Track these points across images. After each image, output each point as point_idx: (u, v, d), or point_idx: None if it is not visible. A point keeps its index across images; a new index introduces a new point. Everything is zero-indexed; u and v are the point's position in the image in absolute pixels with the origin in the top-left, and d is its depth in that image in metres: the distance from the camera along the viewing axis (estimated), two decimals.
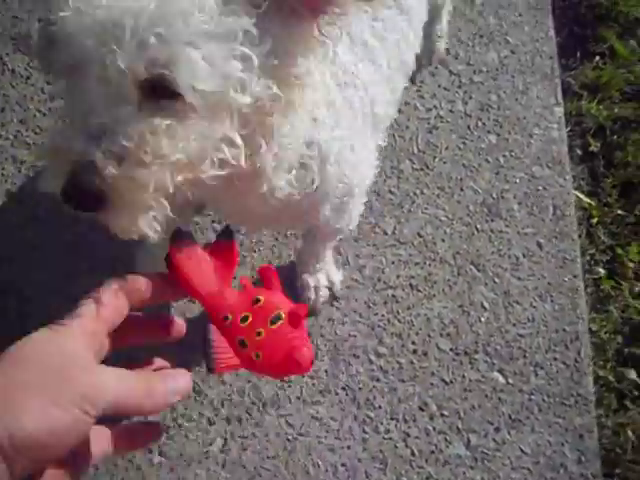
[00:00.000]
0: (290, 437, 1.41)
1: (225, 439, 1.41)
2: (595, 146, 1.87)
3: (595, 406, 1.61)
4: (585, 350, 1.50)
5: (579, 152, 1.87)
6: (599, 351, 1.68)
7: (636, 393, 1.64)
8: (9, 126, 1.62)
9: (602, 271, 1.75)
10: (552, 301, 1.53)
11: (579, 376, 1.48)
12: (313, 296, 1.48)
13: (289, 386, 1.45)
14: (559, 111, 1.71)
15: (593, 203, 1.81)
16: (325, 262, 1.47)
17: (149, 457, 1.39)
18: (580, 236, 1.77)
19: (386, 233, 1.57)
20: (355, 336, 1.49)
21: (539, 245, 1.58)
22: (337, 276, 1.50)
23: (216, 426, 1.42)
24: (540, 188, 1.63)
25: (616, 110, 1.90)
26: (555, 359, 1.49)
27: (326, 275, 1.49)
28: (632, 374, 1.67)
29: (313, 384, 1.45)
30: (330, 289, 1.50)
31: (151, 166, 0.67)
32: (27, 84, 1.67)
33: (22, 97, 1.65)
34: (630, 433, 1.61)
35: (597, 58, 1.98)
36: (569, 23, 2.03)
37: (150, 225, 0.70)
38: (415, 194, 1.61)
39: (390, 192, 1.61)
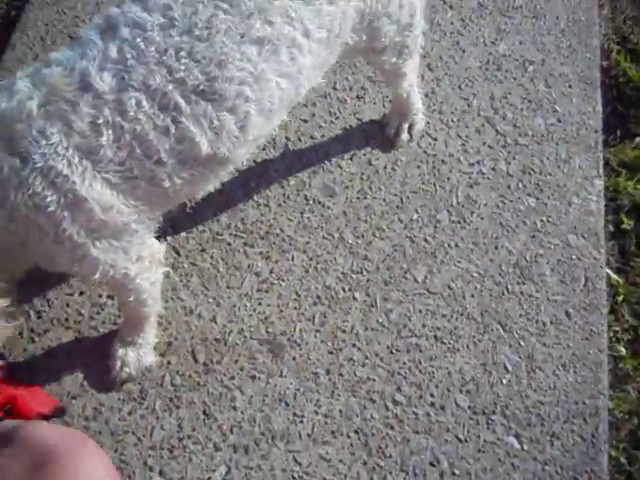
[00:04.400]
0: (296, 475, 1.37)
1: (229, 467, 1.36)
2: (628, 224, 1.87)
3: None
4: (603, 426, 1.47)
5: (611, 228, 1.87)
6: (613, 430, 1.64)
7: None
8: None
9: (623, 350, 1.73)
10: (575, 372, 1.50)
11: (595, 452, 1.44)
12: (117, 367, 1.43)
13: (301, 421, 1.41)
14: (599, 184, 1.72)
15: (621, 281, 1.80)
16: (141, 342, 1.42)
17: (149, 475, 1.35)
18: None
19: (417, 281, 1.56)
20: (374, 380, 1.46)
21: (567, 314, 1.56)
22: (148, 358, 1.45)
23: (222, 452, 1.38)
24: (574, 257, 1.62)
25: None
26: (572, 431, 1.45)
27: (137, 353, 1.43)
28: None
29: (326, 422, 1.41)
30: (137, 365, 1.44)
31: None
32: None
33: None
34: None
35: (637, 139, 2.00)
36: (613, 101, 2.06)
37: None
38: (450, 246, 1.60)
39: (425, 240, 1.60)
